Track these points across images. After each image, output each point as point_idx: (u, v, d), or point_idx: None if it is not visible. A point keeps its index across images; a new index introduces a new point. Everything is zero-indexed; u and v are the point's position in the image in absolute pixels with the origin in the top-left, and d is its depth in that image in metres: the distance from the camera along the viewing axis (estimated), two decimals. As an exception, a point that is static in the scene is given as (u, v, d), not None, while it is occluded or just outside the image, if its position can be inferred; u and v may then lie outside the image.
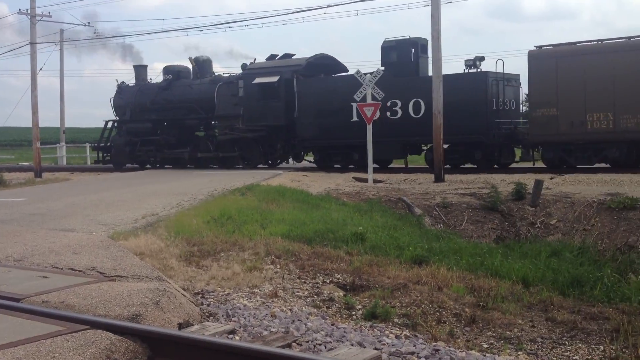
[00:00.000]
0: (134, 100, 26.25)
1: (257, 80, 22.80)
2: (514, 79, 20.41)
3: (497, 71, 19.48)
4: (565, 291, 7.44)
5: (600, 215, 11.79)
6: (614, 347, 5.37)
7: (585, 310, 6.47)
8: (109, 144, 27.25)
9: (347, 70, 23.57)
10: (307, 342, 4.72)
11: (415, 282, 7.16)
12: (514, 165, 20.49)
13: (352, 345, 4.73)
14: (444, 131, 17.62)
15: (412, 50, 20.66)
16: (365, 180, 17.49)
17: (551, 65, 17.87)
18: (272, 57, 24.24)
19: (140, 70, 28.08)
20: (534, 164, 19.46)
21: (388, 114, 20.13)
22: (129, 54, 31.11)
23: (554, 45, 18.49)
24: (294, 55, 24.25)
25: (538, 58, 18.16)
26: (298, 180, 17.68)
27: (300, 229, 9.53)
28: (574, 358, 5.37)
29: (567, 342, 5.72)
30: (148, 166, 26.35)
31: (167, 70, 26.18)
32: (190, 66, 26.08)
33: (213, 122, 25.26)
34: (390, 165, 22.79)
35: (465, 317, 6.16)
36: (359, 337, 5.04)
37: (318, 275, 7.30)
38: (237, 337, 4.77)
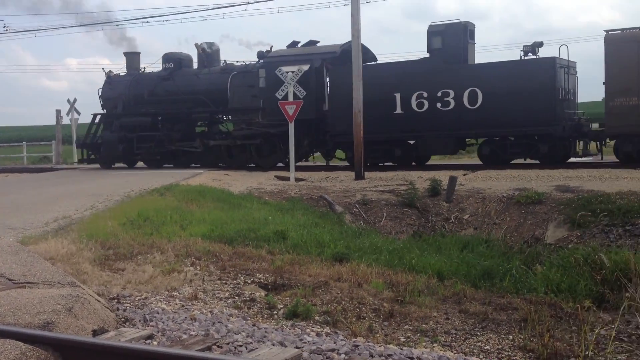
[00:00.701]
0: (127, 92, 23.59)
1: (284, 68, 19.82)
2: (572, 67, 18.46)
3: (562, 57, 17.71)
4: (477, 283, 7.72)
5: (509, 210, 12.30)
6: (522, 336, 5.62)
7: (496, 301, 6.74)
8: (98, 141, 24.25)
9: (376, 59, 21.67)
10: (228, 344, 4.67)
11: (336, 279, 7.23)
12: (575, 160, 18.54)
13: (273, 345, 4.73)
14: (503, 122, 17.08)
15: (462, 35, 18.65)
16: (287, 179, 17.51)
17: (632, 49, 16.22)
18: (293, 44, 21.79)
19: (133, 58, 25.01)
20: (602, 159, 17.90)
21: (439, 105, 18.38)
22: (122, 40, 27.00)
23: (636, 28, 16.76)
24: (318, 42, 21.80)
25: (617, 42, 16.51)
26: (219, 179, 17.48)
27: (221, 229, 9.42)
28: (485, 348, 5.58)
29: (479, 333, 5.94)
30: (140, 164, 23.83)
31: (167, 57, 23.49)
32: (191, 54, 23.81)
33: (221, 116, 23.09)
34: (310, 164, 22.62)
35: (384, 312, 6.28)
36: (280, 336, 5.04)
37: (239, 275, 7.24)
38: (154, 342, 4.66)
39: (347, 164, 20.42)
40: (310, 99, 19.86)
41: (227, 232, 9.29)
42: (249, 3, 23.46)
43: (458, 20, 18.61)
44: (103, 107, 24.47)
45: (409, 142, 19.90)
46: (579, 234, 10.51)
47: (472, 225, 12.35)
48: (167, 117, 23.08)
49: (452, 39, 18.43)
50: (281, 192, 14.93)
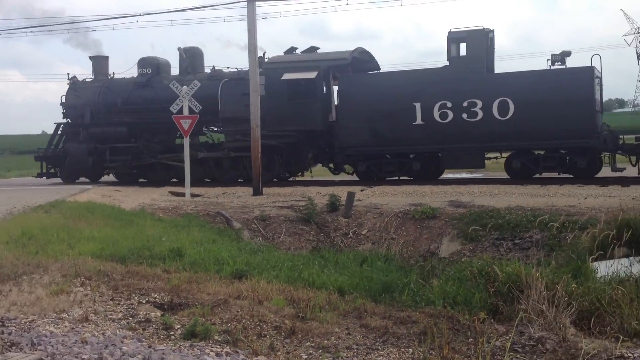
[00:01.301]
0: (96, 99, 21.97)
1: (287, 76, 19.18)
2: (598, 78, 17.61)
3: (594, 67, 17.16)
4: (377, 298, 7.84)
5: (405, 225, 12.66)
6: (421, 349, 5.74)
7: (396, 315, 6.85)
8: (60, 153, 22.47)
9: (379, 68, 20.67)
10: (122, 368, 4.44)
11: (236, 297, 7.09)
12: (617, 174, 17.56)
13: (171, 367, 4.54)
14: (537, 134, 16.38)
15: (485, 42, 17.77)
16: (183, 195, 17.10)
17: None
18: (291, 50, 20.64)
19: (101, 62, 23.24)
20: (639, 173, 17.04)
21: (465, 115, 17.42)
22: (84, 43, 24.93)
23: None
24: (318, 48, 20.70)
25: None
26: (109, 195, 16.79)
27: (112, 248, 9.02)
28: (386, 362, 5.65)
29: (379, 347, 6.01)
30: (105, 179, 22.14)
31: (144, 62, 21.97)
32: (166, 59, 22.56)
33: (206, 128, 21.64)
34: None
35: (286, 329, 6.21)
36: (179, 357, 4.86)
37: (133, 295, 6.94)
38: (42, 369, 4.34)
39: (357, 178, 19.49)
40: (317, 109, 19.12)
41: (119, 250, 8.91)
42: (140, 14, 22.78)
43: (481, 27, 17.79)
44: (66, 115, 22.79)
45: (414, 155, 18.87)
46: (471, 248, 10.98)
47: (370, 240, 12.59)
48: (146, 127, 21.57)
49: (476, 46, 17.59)
50: (176, 209, 14.56)
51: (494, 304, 6.90)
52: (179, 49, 21.72)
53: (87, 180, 22.46)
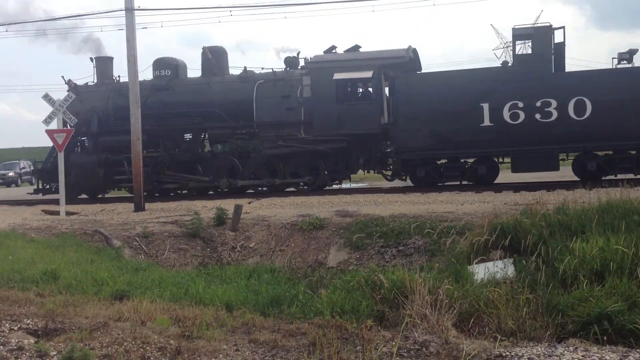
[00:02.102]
0: (105, 105, 20.21)
1: (339, 76, 18.12)
2: None
3: None
4: (266, 311, 7.79)
5: (293, 236, 12.71)
6: (311, 360, 5.76)
7: (285, 327, 6.84)
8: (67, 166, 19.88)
9: (421, 69, 19.71)
10: (-11, 404, 4.09)
11: (117, 319, 6.79)
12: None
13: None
14: (617, 134, 15.81)
15: (552, 39, 17.24)
16: (57, 213, 16.20)
17: None
18: (331, 49, 19.48)
19: (105, 64, 21.22)
20: None
21: (538, 116, 16.73)
22: (85, 43, 22.57)
23: None
24: (360, 47, 19.56)
25: None
26: (-26, 215, 15.60)
27: (-23, 272, 8.36)
28: (276, 376, 5.61)
29: (269, 362, 5.96)
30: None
31: (161, 64, 20.24)
32: (183, 60, 20.68)
33: (238, 135, 19.59)
34: (83, 196, 20.71)
35: (171, 349, 6.02)
36: (54, 388, 4.55)
37: (4, 322, 6.46)
38: None
39: (412, 184, 18.56)
40: (373, 111, 18.13)
41: (-14, 275, 8.28)
42: (9, 24, 21.41)
43: (548, 24, 17.44)
44: (66, 124, 20.48)
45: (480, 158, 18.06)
46: (358, 256, 11.21)
47: (258, 253, 12.52)
48: (168, 134, 19.85)
49: (543, 44, 17.03)
50: (50, 228, 13.76)
51: (380, 311, 7.07)
52: (204, 48, 20.07)
53: (86, 196, 20.60)
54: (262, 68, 19.81)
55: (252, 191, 19.44)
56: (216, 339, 6.35)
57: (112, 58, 21.67)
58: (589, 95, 16.38)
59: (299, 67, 19.55)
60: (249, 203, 16.25)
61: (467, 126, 17.05)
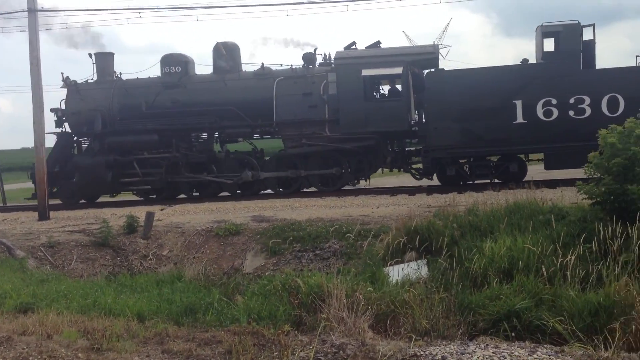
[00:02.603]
0: (110, 103, 18.91)
1: (367, 72, 17.62)
2: None
3: None
4: (180, 320, 7.64)
5: (208, 243, 12.52)
6: (227, 368, 5.69)
7: (200, 336, 6.72)
8: (56, 169, 18.81)
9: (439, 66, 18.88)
10: None
11: (21, 333, 6.48)
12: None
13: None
14: None
15: (581, 37, 17.01)
16: (-48, 223, 15.24)
17: None
18: (350, 45, 18.76)
19: (106, 60, 19.80)
20: None
21: (572, 113, 16.48)
22: (86, 37, 20.99)
23: None
24: (380, 43, 18.90)
25: None
26: None
27: None
28: (192, 386, 5.50)
29: (184, 372, 5.84)
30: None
31: (170, 60, 19.18)
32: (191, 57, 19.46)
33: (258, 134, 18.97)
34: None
35: (79, 363, 5.79)
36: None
37: None
38: None
39: (440, 183, 18.04)
40: (403, 108, 17.69)
41: None
42: None
43: (576, 21, 17.23)
44: (61, 124, 19.47)
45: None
46: (275, 261, 11.18)
47: (172, 261, 12.25)
48: (182, 134, 18.94)
49: (575, 41, 17.00)
50: (-55, 239, 12.92)
51: (298, 315, 7.08)
52: (218, 43, 19.23)
53: (83, 201, 19.21)
54: (281, 64, 19.32)
55: (270, 191, 19.05)
56: (127, 351, 6.17)
57: (112, 54, 20.49)
58: (622, 91, 16.44)
59: (317, 64, 19.25)
60: (161, 210, 15.88)
61: (499, 123, 16.96)
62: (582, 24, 17.24)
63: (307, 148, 18.25)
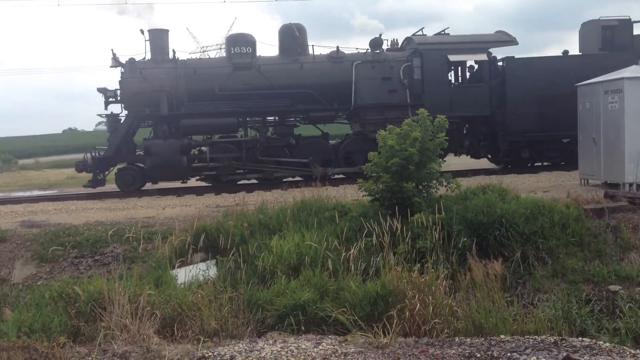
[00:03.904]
0: (177, 84, 18.28)
1: (454, 57, 18.72)
2: None
3: None
4: None
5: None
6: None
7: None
8: (139, 152, 18.34)
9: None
10: None
11: None
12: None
13: None
14: None
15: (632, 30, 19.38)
16: None
17: None
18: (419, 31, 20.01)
19: (160, 37, 18.75)
20: None
21: None
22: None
23: None
24: (448, 28, 20.39)
25: None
26: None
27: None
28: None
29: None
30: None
31: (238, 40, 18.73)
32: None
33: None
34: None
35: None
36: None
37: None
38: None
39: (509, 166, 19.33)
40: (486, 93, 18.66)
41: None
42: None
43: (628, 17, 19.49)
44: (123, 106, 18.42)
45: None
46: (48, 269, 10.44)
47: None
48: (258, 117, 18.91)
49: (627, 34, 19.35)
50: None
51: (76, 326, 6.70)
52: (290, 25, 18.99)
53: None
54: (357, 48, 19.55)
55: (342, 176, 18.86)
56: None
57: (167, 30, 19.13)
58: None
59: (384, 48, 19.71)
60: None
61: (569, 108, 17.12)
62: (632, 20, 19.94)
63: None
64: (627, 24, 19.95)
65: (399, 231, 9.18)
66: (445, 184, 11.03)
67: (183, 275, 8.51)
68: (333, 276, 8.44)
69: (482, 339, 6.62)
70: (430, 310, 7.36)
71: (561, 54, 20.18)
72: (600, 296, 9.24)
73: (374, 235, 9.18)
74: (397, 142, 10.57)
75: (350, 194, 13.15)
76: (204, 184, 18.78)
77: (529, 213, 10.30)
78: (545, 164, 19.95)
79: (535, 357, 5.72)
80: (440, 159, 11.10)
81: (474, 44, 19.41)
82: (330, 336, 6.45)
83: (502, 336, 6.81)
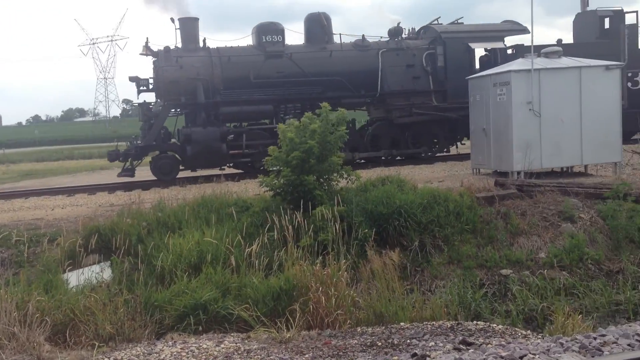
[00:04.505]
0: (212, 72, 18.26)
1: (475, 45, 19.95)
2: None
3: None
4: None
5: None
6: None
7: None
8: (180, 140, 17.79)
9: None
10: None
11: None
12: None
13: None
14: None
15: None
16: None
17: None
18: (434, 21, 21.14)
19: (191, 25, 18.80)
20: None
21: (629, 84, 20.04)
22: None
23: None
24: (462, 17, 21.50)
25: None
26: None
27: None
28: None
29: None
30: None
31: (268, 29, 19.19)
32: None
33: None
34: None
35: None
36: None
37: None
38: None
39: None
40: None
41: None
42: None
43: (620, 8, 21.22)
44: (158, 94, 18.46)
45: None
46: None
47: None
48: (294, 104, 19.38)
49: (619, 23, 20.86)
50: None
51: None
52: (319, 14, 19.76)
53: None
54: (381, 37, 20.37)
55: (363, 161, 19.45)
56: None
57: (197, 19, 19.24)
58: None
59: (403, 36, 20.60)
60: None
61: None
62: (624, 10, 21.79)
63: (417, 117, 19.54)
64: (620, 14, 21.70)
65: (301, 225, 9.20)
66: (345, 176, 11.17)
67: (75, 278, 8.15)
68: (236, 273, 8.35)
69: (383, 327, 6.77)
70: (333, 302, 7.44)
71: (560, 43, 21.28)
72: (493, 280, 9.67)
73: (275, 230, 9.15)
74: (296, 135, 10.58)
75: (252, 189, 13.06)
76: (96, 181, 18.14)
77: (425, 203, 10.59)
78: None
79: (433, 343, 5.90)
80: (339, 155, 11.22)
81: (492, 32, 20.52)
82: (232, 334, 6.38)
83: (402, 324, 6.99)
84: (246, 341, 5.98)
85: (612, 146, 14.17)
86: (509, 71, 13.90)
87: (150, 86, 18.46)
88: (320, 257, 8.62)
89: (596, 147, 13.94)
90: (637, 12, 22.13)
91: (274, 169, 10.90)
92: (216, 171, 18.25)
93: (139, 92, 18.67)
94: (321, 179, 10.77)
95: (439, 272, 9.79)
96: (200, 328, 6.90)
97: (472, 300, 8.72)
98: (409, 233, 10.14)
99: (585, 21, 22.51)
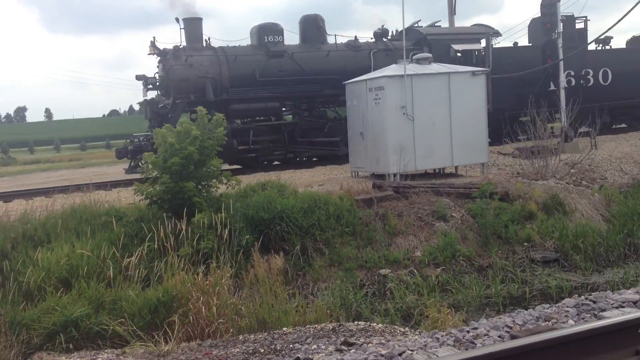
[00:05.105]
0: (220, 70, 18.93)
1: (457, 46, 21.04)
2: None
3: None
4: None
5: None
6: None
7: None
8: None
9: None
10: None
11: None
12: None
13: None
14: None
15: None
16: None
17: None
18: (435, 23, 22.66)
19: (196, 25, 19.43)
20: None
21: (582, 82, 22.88)
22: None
23: None
24: (439, 21, 23.21)
25: None
26: None
27: None
28: None
29: None
30: None
31: (269, 29, 20.03)
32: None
33: None
34: None
35: None
36: None
37: None
38: None
39: None
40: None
41: None
42: None
43: (571, 14, 23.43)
44: (170, 93, 18.63)
45: None
46: None
47: None
48: (299, 100, 20.54)
49: (570, 28, 23.02)
50: None
51: None
52: (315, 15, 20.93)
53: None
54: (371, 38, 21.50)
55: None
56: None
57: (201, 19, 20.00)
58: (611, 67, 23.70)
59: (387, 38, 21.51)
60: None
61: (542, 90, 21.47)
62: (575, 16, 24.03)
63: None
64: (571, 19, 23.87)
65: (182, 233, 8.96)
66: (225, 181, 11.02)
67: None
68: (112, 286, 7.98)
69: (266, 333, 6.72)
70: (215, 311, 7.29)
71: (524, 45, 24.19)
72: (372, 280, 9.90)
73: (156, 239, 8.84)
74: (177, 141, 10.28)
75: (125, 198, 12.58)
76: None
77: (306, 207, 10.67)
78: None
79: (315, 345, 5.92)
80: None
81: (471, 34, 22.11)
82: (107, 350, 6.09)
83: (284, 329, 6.97)
84: (121, 357, 5.73)
85: (479, 148, 14.97)
86: (383, 76, 14.33)
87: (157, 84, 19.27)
88: (204, 266, 8.44)
89: (465, 149, 14.67)
90: (585, 17, 24.86)
91: (151, 176, 10.55)
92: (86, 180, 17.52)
93: (146, 90, 19.41)
94: (200, 185, 10.56)
95: (321, 275, 9.89)
96: (71, 346, 6.53)
97: (354, 300, 8.87)
98: (291, 237, 10.18)
99: (540, 26, 24.18)
